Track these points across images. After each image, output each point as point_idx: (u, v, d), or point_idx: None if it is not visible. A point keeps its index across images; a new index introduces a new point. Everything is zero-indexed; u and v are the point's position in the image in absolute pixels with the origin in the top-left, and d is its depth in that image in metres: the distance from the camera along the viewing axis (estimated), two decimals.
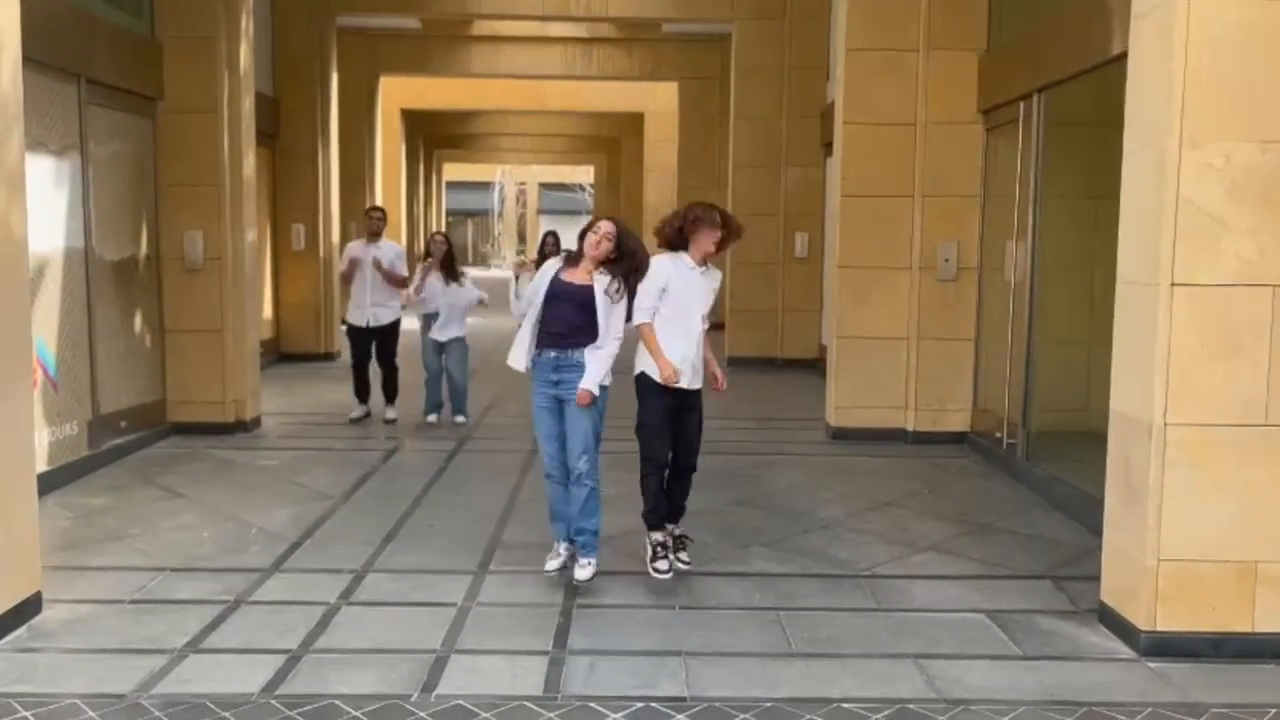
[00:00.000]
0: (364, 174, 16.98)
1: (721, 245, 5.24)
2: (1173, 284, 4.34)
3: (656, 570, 5.21)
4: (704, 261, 5.27)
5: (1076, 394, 7.50)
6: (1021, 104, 7.61)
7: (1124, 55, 5.85)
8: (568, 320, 5.02)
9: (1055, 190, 7.48)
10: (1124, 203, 4.70)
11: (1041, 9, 7.54)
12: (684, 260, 5.23)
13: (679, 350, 5.20)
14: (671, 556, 5.31)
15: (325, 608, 4.94)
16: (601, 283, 5.04)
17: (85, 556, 5.64)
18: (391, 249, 9.49)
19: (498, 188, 48.65)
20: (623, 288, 5.06)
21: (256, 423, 9.13)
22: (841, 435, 8.89)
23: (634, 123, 23.94)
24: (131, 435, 8.07)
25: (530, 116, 26.16)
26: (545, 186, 48.73)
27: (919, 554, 5.93)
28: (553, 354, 5.08)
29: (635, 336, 5.30)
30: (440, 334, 9.22)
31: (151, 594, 5.10)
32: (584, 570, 5.18)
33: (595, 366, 5.04)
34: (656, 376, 5.18)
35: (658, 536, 5.31)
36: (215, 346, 8.73)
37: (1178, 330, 4.35)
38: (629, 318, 5.16)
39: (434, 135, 28.09)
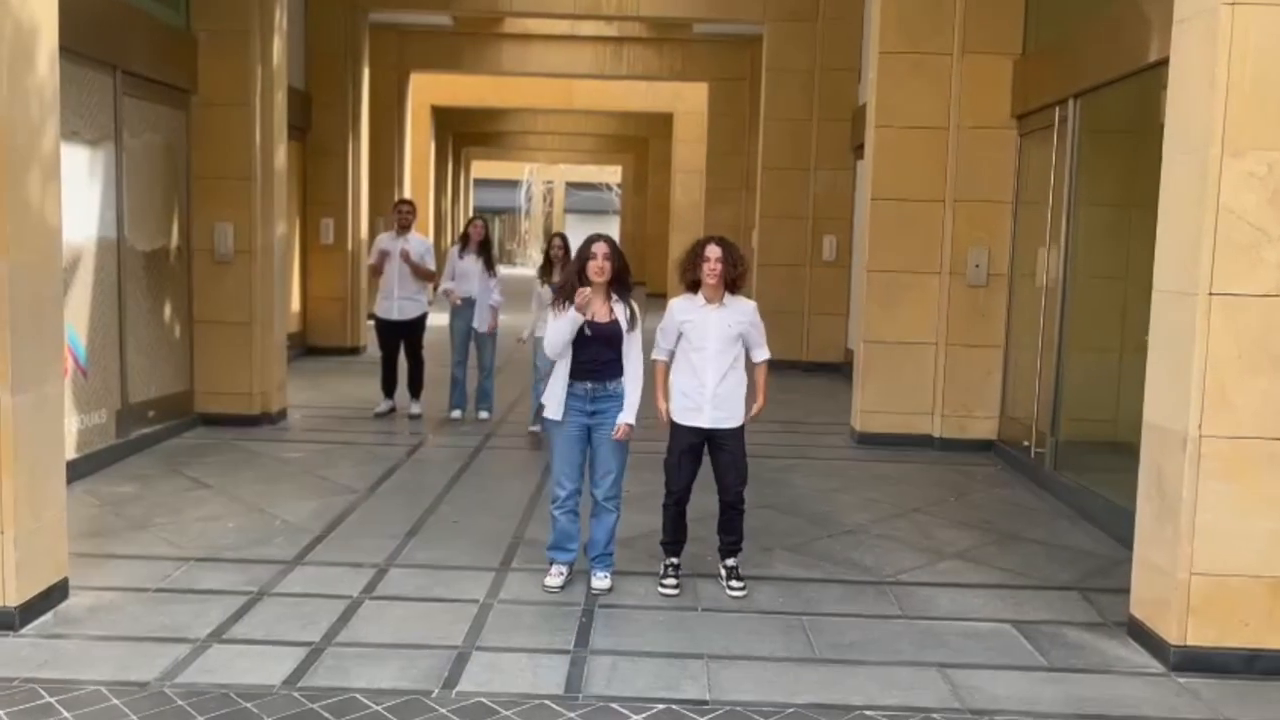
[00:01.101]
0: (393, 170, 17.05)
1: (726, 277, 5.09)
2: (1211, 293, 4.27)
3: (663, 586, 5.22)
4: (718, 297, 5.16)
5: (1106, 404, 7.41)
6: (1057, 109, 7.53)
7: (1163, 62, 5.78)
8: (601, 357, 5.06)
9: (1089, 197, 7.39)
10: (1162, 210, 4.64)
11: (1079, 14, 7.47)
12: (697, 299, 5.19)
13: (691, 388, 5.14)
14: (676, 578, 5.26)
15: (348, 601, 4.95)
16: (621, 313, 5.09)
17: (112, 544, 5.67)
18: (420, 243, 9.49)
19: (525, 186, 48.73)
20: (634, 315, 5.13)
21: (282, 415, 9.18)
22: (867, 440, 8.83)
23: (662, 123, 23.93)
24: (159, 425, 8.13)
25: (559, 115, 26.19)
26: (572, 186, 48.77)
27: (944, 562, 5.87)
28: (589, 385, 5.07)
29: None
30: (475, 321, 9.18)
31: (176, 583, 5.12)
32: (604, 580, 5.20)
33: (634, 397, 5.10)
34: (674, 415, 5.21)
35: (671, 560, 5.32)
36: (243, 338, 8.78)
37: (1215, 341, 4.28)
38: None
39: (463, 132, 28.17)
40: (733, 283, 5.15)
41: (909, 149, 8.60)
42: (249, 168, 8.70)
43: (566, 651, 4.46)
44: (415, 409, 9.52)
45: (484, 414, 9.42)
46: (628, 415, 5.10)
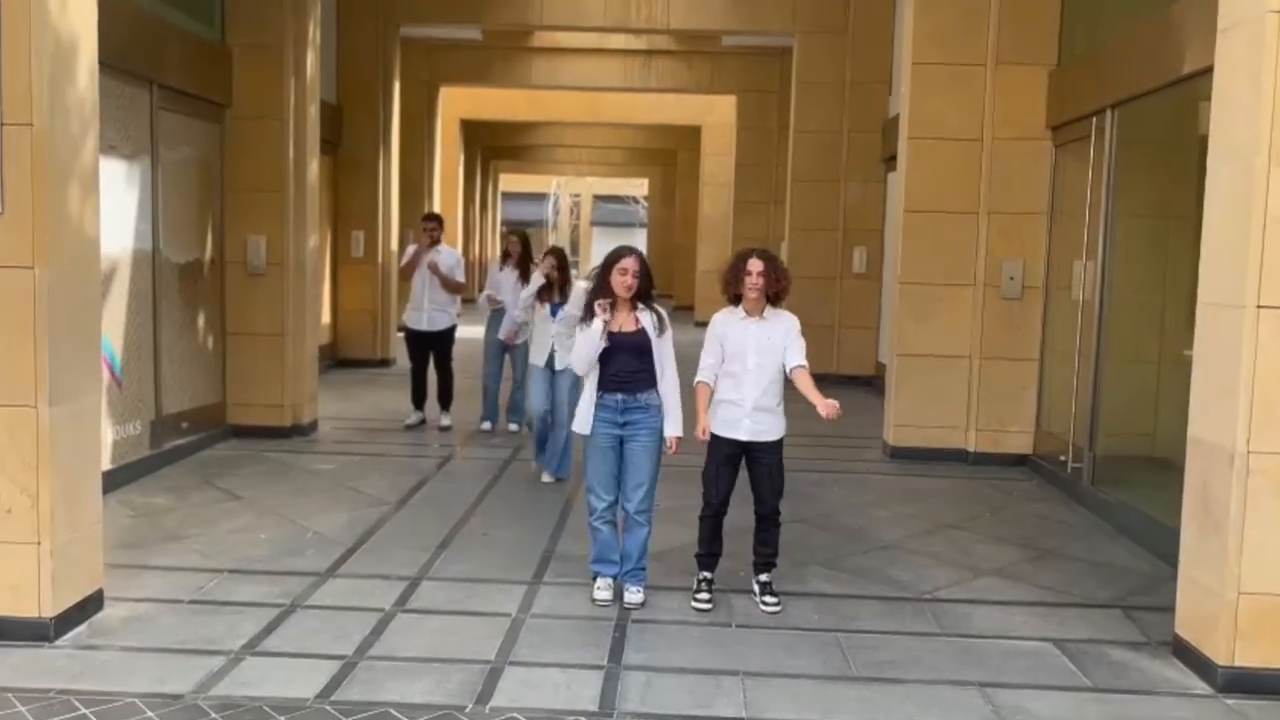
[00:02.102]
0: (423, 183, 17.14)
1: (768, 291, 5.04)
2: (1259, 306, 4.18)
3: (696, 601, 5.16)
4: (759, 310, 5.11)
5: (1146, 418, 7.29)
6: (1094, 120, 7.44)
7: (1203, 71, 5.71)
8: (630, 368, 5.03)
9: (1128, 208, 7.29)
10: (1207, 221, 4.55)
11: (1115, 24, 7.39)
12: (738, 312, 5.15)
13: (731, 400, 5.09)
14: (709, 592, 5.20)
15: (380, 614, 4.93)
16: (648, 322, 5.05)
17: (146, 555, 5.69)
18: (450, 254, 9.54)
19: (552, 199, 48.89)
20: (662, 319, 5.09)
21: (313, 427, 9.20)
22: (900, 454, 8.74)
23: (690, 136, 23.94)
24: (192, 436, 8.17)
25: (586, 128, 26.27)
26: (599, 198, 48.88)
27: (982, 578, 5.78)
28: (620, 396, 5.04)
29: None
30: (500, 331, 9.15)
31: (210, 595, 5.13)
32: (638, 595, 5.15)
33: (676, 410, 5.07)
34: (713, 427, 5.14)
35: (705, 574, 5.25)
36: (275, 350, 8.82)
37: (1264, 354, 4.19)
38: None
39: (491, 146, 28.32)
40: (775, 296, 5.10)
41: (942, 160, 8.53)
42: (282, 181, 8.76)
43: (600, 667, 4.42)
44: (445, 421, 9.53)
45: (514, 426, 9.41)
46: (673, 428, 5.07)
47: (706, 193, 22.10)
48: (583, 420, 5.12)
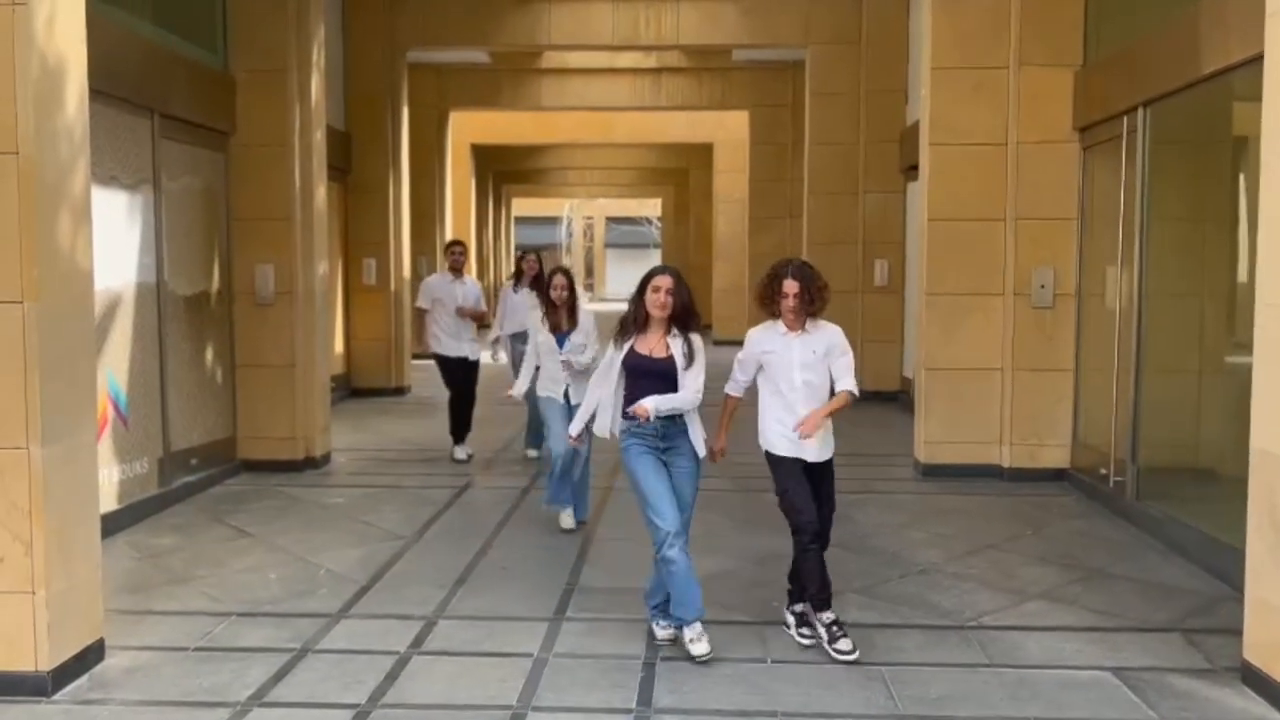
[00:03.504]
0: (435, 208, 16.99)
1: (801, 302, 4.74)
2: None
3: (837, 652, 4.63)
4: (800, 324, 4.83)
5: (1191, 428, 6.98)
6: (1125, 119, 7.17)
7: (1244, 63, 5.46)
8: (658, 393, 4.69)
9: (1162, 210, 7.00)
10: (1265, 217, 4.27)
11: (1146, 20, 7.12)
12: (777, 327, 4.87)
13: (787, 422, 4.79)
14: (826, 632, 4.77)
15: (395, 658, 4.67)
16: (678, 349, 4.74)
17: (150, 600, 5.45)
18: (474, 287, 9.35)
19: (565, 222, 48.84)
20: (693, 349, 4.76)
21: (326, 459, 8.97)
22: (932, 472, 8.43)
23: (703, 154, 23.76)
24: (202, 473, 7.95)
25: (598, 150, 26.14)
26: (612, 220, 48.78)
27: (1029, 602, 5.47)
28: (659, 423, 4.71)
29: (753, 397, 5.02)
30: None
31: (216, 641, 4.88)
32: (704, 644, 4.61)
33: (698, 429, 4.82)
34: (774, 449, 4.85)
35: (827, 616, 4.76)
36: (286, 382, 8.61)
37: None
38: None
39: (502, 170, 28.22)
40: (814, 310, 4.82)
41: (966, 167, 8.26)
42: (289, 208, 8.57)
43: (629, 711, 4.14)
44: (460, 453, 9.29)
45: (533, 452, 9.16)
46: (702, 445, 4.79)
47: (721, 210, 21.89)
48: (603, 421, 4.82)
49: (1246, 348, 6.14)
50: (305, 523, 7.06)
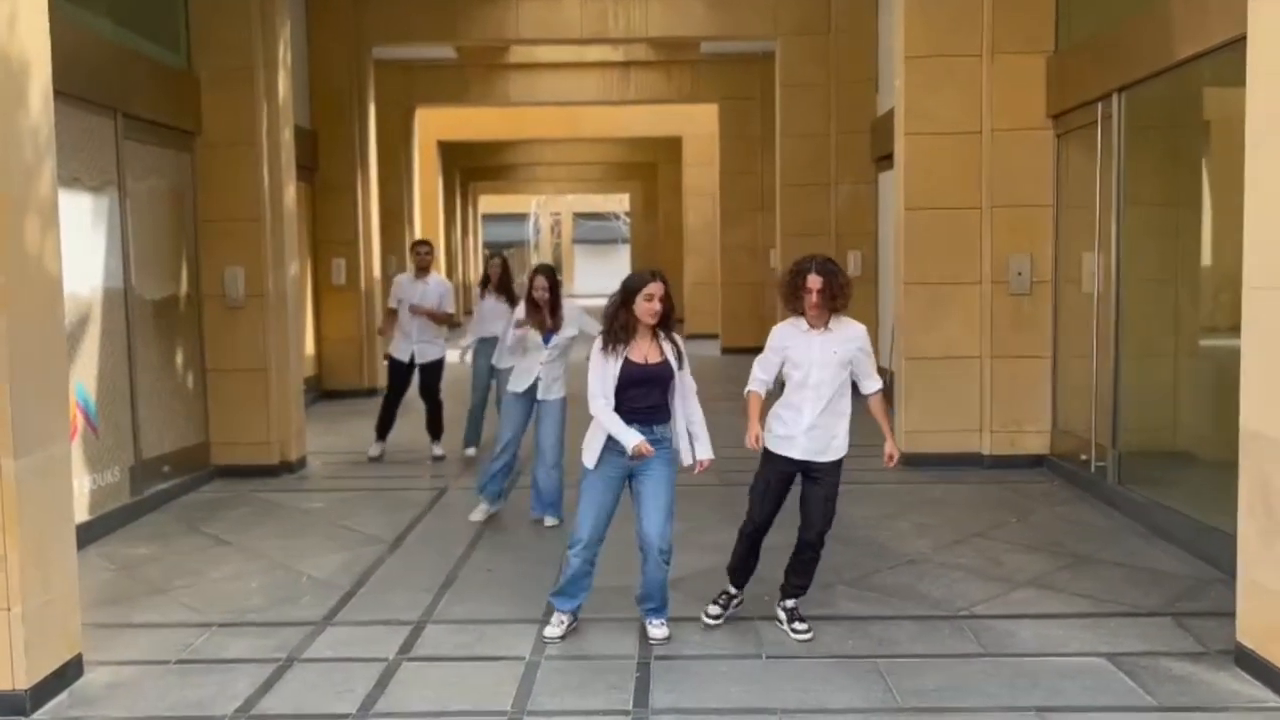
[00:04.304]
0: (403, 207, 16.80)
1: (824, 298, 4.70)
2: None
3: (706, 615, 4.95)
4: (822, 322, 4.79)
5: (1171, 411, 7.02)
6: (1100, 105, 7.18)
7: (1222, 46, 5.47)
8: (652, 400, 4.70)
9: (1138, 195, 7.03)
10: (1250, 200, 4.27)
11: (1118, 3, 7.13)
12: (800, 324, 4.82)
13: (788, 417, 4.78)
14: (724, 608, 5.02)
15: (384, 664, 4.58)
16: (670, 352, 4.75)
17: (128, 612, 5.31)
18: (439, 285, 9.19)
19: (533, 219, 48.62)
20: (680, 349, 4.79)
21: (302, 463, 8.83)
22: (913, 461, 8.39)
23: (671, 147, 23.68)
24: (175, 480, 7.78)
25: (566, 145, 25.99)
26: (580, 216, 48.61)
27: (1019, 590, 5.47)
28: (636, 428, 4.65)
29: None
30: (499, 361, 8.80)
31: (199, 653, 4.76)
32: (663, 629, 4.82)
33: (705, 434, 4.84)
34: (767, 441, 4.84)
35: (730, 589, 5.00)
36: (258, 385, 8.45)
37: None
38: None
39: (469, 167, 28.01)
40: (837, 306, 4.80)
41: (941, 155, 8.25)
42: (258, 209, 8.41)
43: (626, 712, 4.08)
44: (437, 451, 9.21)
45: (471, 450, 9.11)
46: (705, 450, 4.80)
47: (690, 204, 21.83)
48: (592, 453, 4.74)
49: (1222, 331, 6.21)
50: (284, 528, 6.93)
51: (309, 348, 12.71)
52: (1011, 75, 8.08)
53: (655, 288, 4.66)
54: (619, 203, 41.81)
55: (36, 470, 4.19)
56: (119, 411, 7.14)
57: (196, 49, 8.31)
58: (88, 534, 6.37)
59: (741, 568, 4.99)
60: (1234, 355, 4.60)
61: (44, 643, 4.23)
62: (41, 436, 4.24)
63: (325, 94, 13.07)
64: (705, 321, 19.68)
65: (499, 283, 8.88)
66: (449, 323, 9.22)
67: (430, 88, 17.49)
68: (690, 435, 4.80)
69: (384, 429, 9.20)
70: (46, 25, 4.39)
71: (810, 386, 4.75)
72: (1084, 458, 7.57)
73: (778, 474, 4.85)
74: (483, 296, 9.00)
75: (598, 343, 4.76)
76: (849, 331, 4.83)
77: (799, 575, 4.92)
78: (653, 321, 4.68)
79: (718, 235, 18.70)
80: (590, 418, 4.74)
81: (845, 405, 4.84)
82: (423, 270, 9.09)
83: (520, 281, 8.29)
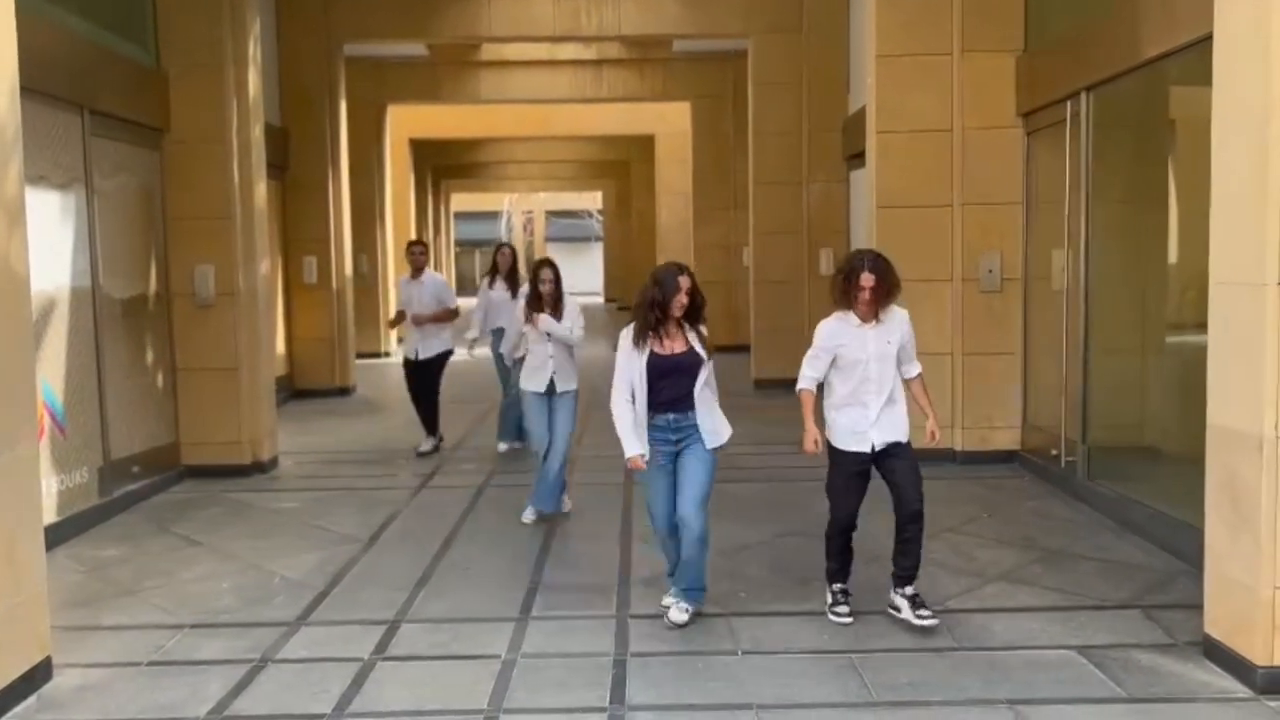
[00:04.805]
0: (374, 205, 16.71)
1: (878, 295, 4.75)
2: None
3: (834, 614, 4.97)
4: (872, 316, 4.82)
5: (1139, 407, 7.10)
6: (1068, 104, 7.25)
7: (1189, 45, 5.54)
8: (682, 389, 4.83)
9: (1106, 194, 7.11)
10: (1216, 197, 4.33)
11: (1086, 3, 7.20)
12: (849, 319, 4.85)
13: (856, 415, 4.82)
14: (848, 604, 5.03)
15: (359, 664, 4.55)
16: (696, 341, 4.88)
17: (98, 614, 5.26)
18: (434, 283, 9.25)
19: (505, 216, 48.45)
20: (705, 341, 4.93)
21: (274, 463, 8.77)
22: None
23: (644, 145, 23.69)
24: (144, 480, 7.70)
25: (538, 143, 25.91)
26: (552, 214, 48.50)
27: (991, 584, 5.52)
28: (672, 416, 4.84)
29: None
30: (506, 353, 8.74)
31: (170, 654, 4.72)
32: (683, 614, 4.90)
33: (723, 424, 4.96)
34: (836, 441, 4.91)
35: (838, 585, 5.06)
36: (229, 385, 8.38)
37: None
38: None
39: (441, 165, 27.86)
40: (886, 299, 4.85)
41: (913, 154, 8.30)
42: (228, 207, 8.33)
43: (603, 709, 4.09)
44: (424, 446, 9.27)
45: (503, 446, 9.11)
46: (721, 438, 4.92)
47: (664, 201, 21.85)
48: (632, 444, 4.83)
49: (1189, 327, 6.30)
50: (256, 529, 6.88)
51: (280, 347, 12.62)
52: (981, 74, 8.15)
53: (683, 281, 4.77)
54: (591, 200, 41.77)
55: (4, 470, 4.13)
56: (87, 412, 7.05)
57: (165, 45, 8.22)
58: (56, 535, 6.29)
59: (841, 566, 5.01)
60: (1200, 351, 4.67)
61: (12, 645, 4.18)
62: (8, 437, 4.18)
63: (296, 91, 12.98)
64: None
65: (508, 274, 8.83)
66: (449, 318, 9.26)
67: (402, 85, 17.40)
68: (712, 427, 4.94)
69: (428, 424, 9.30)
70: (13, 20, 4.34)
71: (872, 379, 4.79)
72: (1054, 453, 7.65)
73: (854, 471, 4.90)
74: (490, 286, 8.98)
75: (626, 337, 4.87)
76: (897, 319, 4.90)
77: (906, 557, 4.89)
78: (680, 314, 4.79)
79: (691, 233, 18.74)
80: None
81: (900, 389, 4.90)
82: (417, 270, 9.19)
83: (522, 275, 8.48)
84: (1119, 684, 4.24)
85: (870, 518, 6.84)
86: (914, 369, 4.99)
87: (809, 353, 4.93)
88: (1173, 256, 6.72)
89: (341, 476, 8.54)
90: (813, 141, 12.81)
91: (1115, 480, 6.90)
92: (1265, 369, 4.00)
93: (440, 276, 9.61)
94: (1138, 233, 7.12)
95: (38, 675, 4.34)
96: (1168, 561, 5.77)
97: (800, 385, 4.94)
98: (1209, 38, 4.42)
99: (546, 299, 6.66)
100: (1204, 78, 4.52)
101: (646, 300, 4.80)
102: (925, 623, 4.79)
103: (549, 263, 6.83)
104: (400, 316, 9.33)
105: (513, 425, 8.96)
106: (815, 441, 4.86)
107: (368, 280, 16.30)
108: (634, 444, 4.78)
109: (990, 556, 5.99)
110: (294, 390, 12.94)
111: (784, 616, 5.06)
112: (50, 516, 6.27)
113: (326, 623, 5.10)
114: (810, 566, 5.80)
